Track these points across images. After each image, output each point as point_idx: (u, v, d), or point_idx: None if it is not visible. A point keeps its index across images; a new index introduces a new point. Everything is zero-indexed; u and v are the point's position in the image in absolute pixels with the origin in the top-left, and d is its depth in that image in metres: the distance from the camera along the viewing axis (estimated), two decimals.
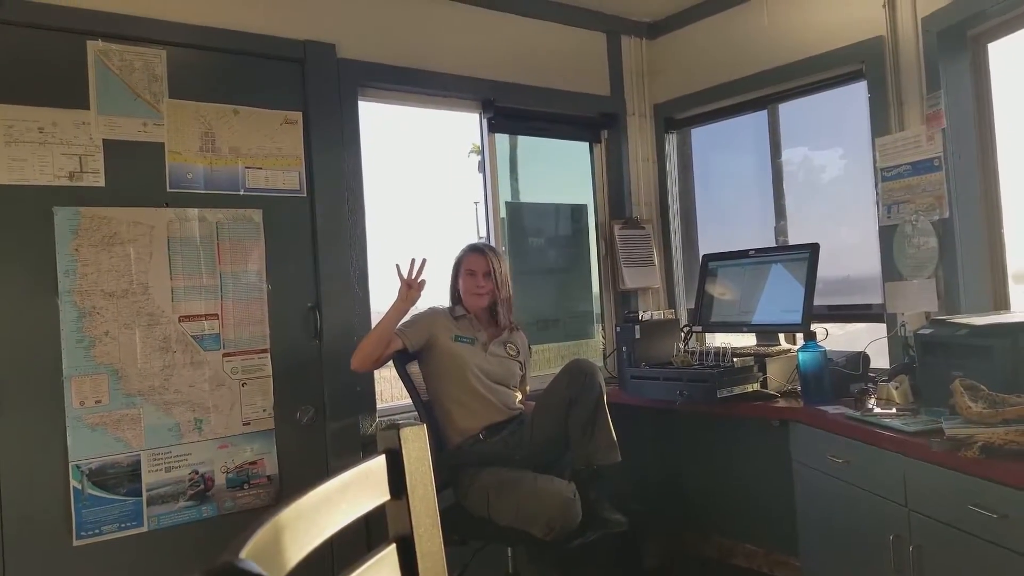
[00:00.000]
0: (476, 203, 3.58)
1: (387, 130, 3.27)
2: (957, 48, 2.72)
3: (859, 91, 3.02)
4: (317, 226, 2.75)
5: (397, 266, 2.60)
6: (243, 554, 0.54)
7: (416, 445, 0.90)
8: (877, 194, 2.88)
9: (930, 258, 2.70)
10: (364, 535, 2.13)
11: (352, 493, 0.83)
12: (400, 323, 2.62)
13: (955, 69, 2.71)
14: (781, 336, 3.17)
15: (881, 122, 2.86)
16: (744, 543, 3.41)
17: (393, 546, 0.88)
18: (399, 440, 0.89)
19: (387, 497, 0.89)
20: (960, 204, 2.66)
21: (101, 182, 2.37)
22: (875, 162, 2.88)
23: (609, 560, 2.93)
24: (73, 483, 2.27)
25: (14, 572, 2.18)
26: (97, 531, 2.30)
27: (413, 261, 2.61)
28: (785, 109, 3.41)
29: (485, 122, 3.35)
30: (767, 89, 3.36)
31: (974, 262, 2.68)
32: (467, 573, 2.52)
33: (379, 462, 0.88)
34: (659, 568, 3.25)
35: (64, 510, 2.26)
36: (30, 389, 2.24)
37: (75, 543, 2.26)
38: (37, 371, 2.25)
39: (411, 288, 2.57)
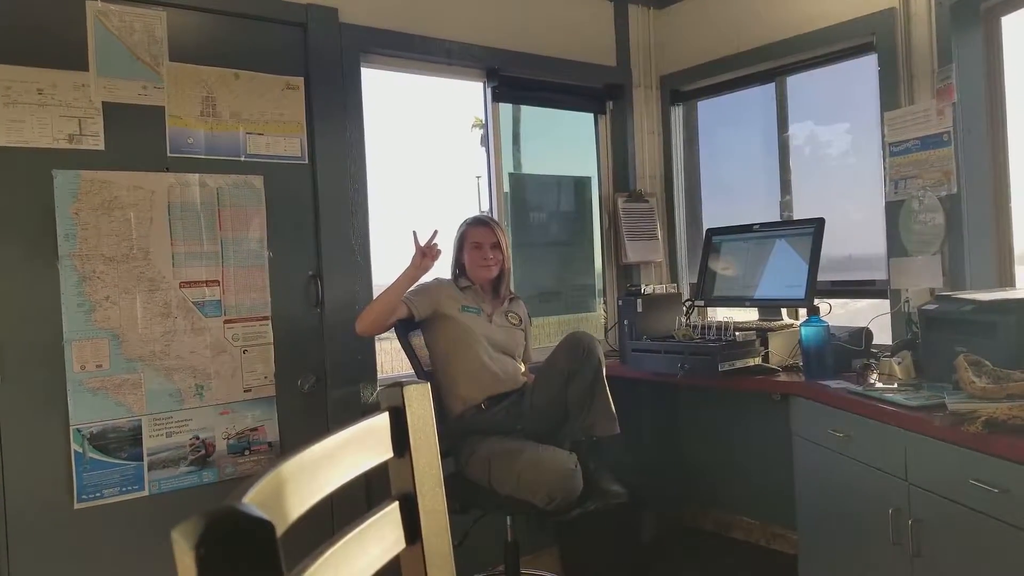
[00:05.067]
0: (478, 177, 3.55)
1: (389, 102, 3.23)
2: (970, 21, 2.67)
3: (867, 65, 2.98)
4: (319, 194, 2.73)
5: (414, 233, 2.55)
6: (245, 500, 0.53)
7: (420, 403, 0.89)
8: (884, 169, 2.85)
9: (936, 234, 2.68)
10: (364, 494, 2.13)
11: (355, 449, 0.82)
12: (407, 291, 2.60)
13: (967, 42, 2.67)
14: (783, 311, 3.16)
15: (890, 96, 2.83)
16: (742, 516, 3.43)
17: (396, 503, 0.87)
18: (403, 398, 0.88)
19: (390, 455, 0.88)
20: (968, 180, 2.63)
21: (101, 145, 2.35)
22: (883, 136, 2.85)
23: (608, 531, 2.95)
24: (74, 447, 2.27)
25: (16, 534, 2.19)
26: (98, 494, 2.31)
27: (436, 232, 2.57)
28: (791, 83, 3.37)
29: (489, 91, 3.31)
30: (776, 61, 3.31)
31: (980, 239, 2.66)
32: (467, 541, 2.53)
33: (382, 419, 0.87)
34: (657, 540, 3.27)
35: (65, 474, 2.26)
36: (31, 353, 2.23)
37: (76, 506, 2.27)
38: (38, 335, 2.24)
39: (425, 256, 2.54)
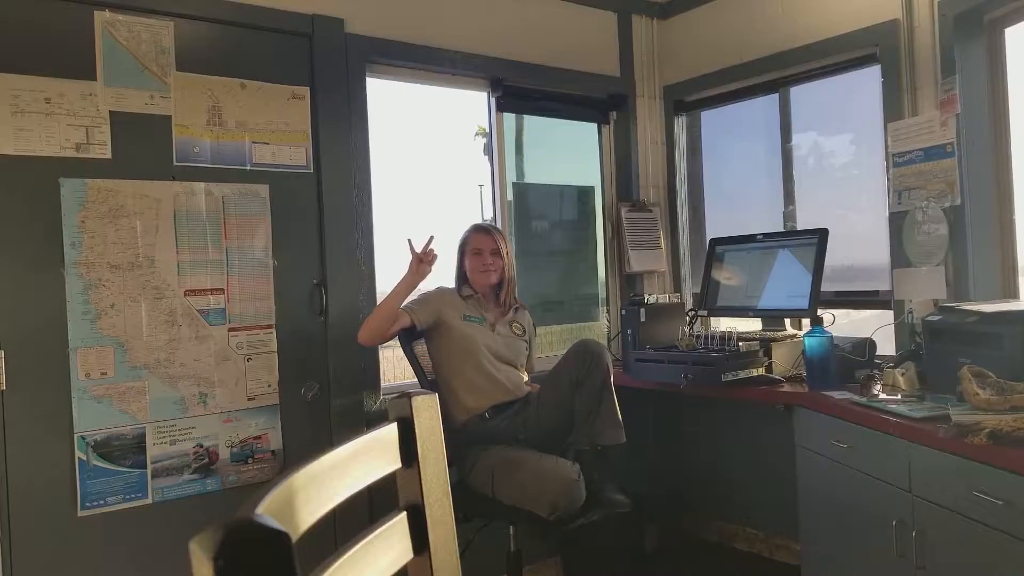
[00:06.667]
0: (481, 186, 3.57)
1: (393, 112, 3.25)
2: (973, 32, 2.68)
3: (870, 75, 2.99)
4: (323, 203, 2.74)
5: (409, 240, 2.58)
6: (259, 510, 0.53)
7: (428, 414, 0.90)
8: (888, 180, 2.86)
9: (940, 245, 2.69)
10: (367, 506, 2.13)
11: (363, 460, 0.82)
12: (409, 300, 2.61)
13: (971, 54, 2.68)
14: (787, 321, 3.16)
15: (894, 107, 2.84)
16: (745, 527, 3.42)
17: (404, 514, 0.87)
18: (411, 409, 0.89)
19: (398, 465, 0.88)
20: (972, 191, 2.64)
21: (108, 154, 2.36)
22: (887, 147, 2.86)
23: (611, 541, 2.94)
24: (78, 454, 2.28)
25: (19, 541, 2.19)
26: (102, 502, 2.31)
27: (432, 238, 2.60)
28: (795, 93, 3.38)
29: (493, 101, 3.32)
30: (779, 72, 3.32)
31: (984, 250, 2.67)
32: (470, 551, 2.52)
33: (391, 430, 0.87)
34: (660, 550, 3.26)
35: (69, 481, 2.27)
36: (36, 361, 2.24)
37: (79, 514, 2.27)
38: (44, 343, 2.25)
39: (422, 262, 2.56)
